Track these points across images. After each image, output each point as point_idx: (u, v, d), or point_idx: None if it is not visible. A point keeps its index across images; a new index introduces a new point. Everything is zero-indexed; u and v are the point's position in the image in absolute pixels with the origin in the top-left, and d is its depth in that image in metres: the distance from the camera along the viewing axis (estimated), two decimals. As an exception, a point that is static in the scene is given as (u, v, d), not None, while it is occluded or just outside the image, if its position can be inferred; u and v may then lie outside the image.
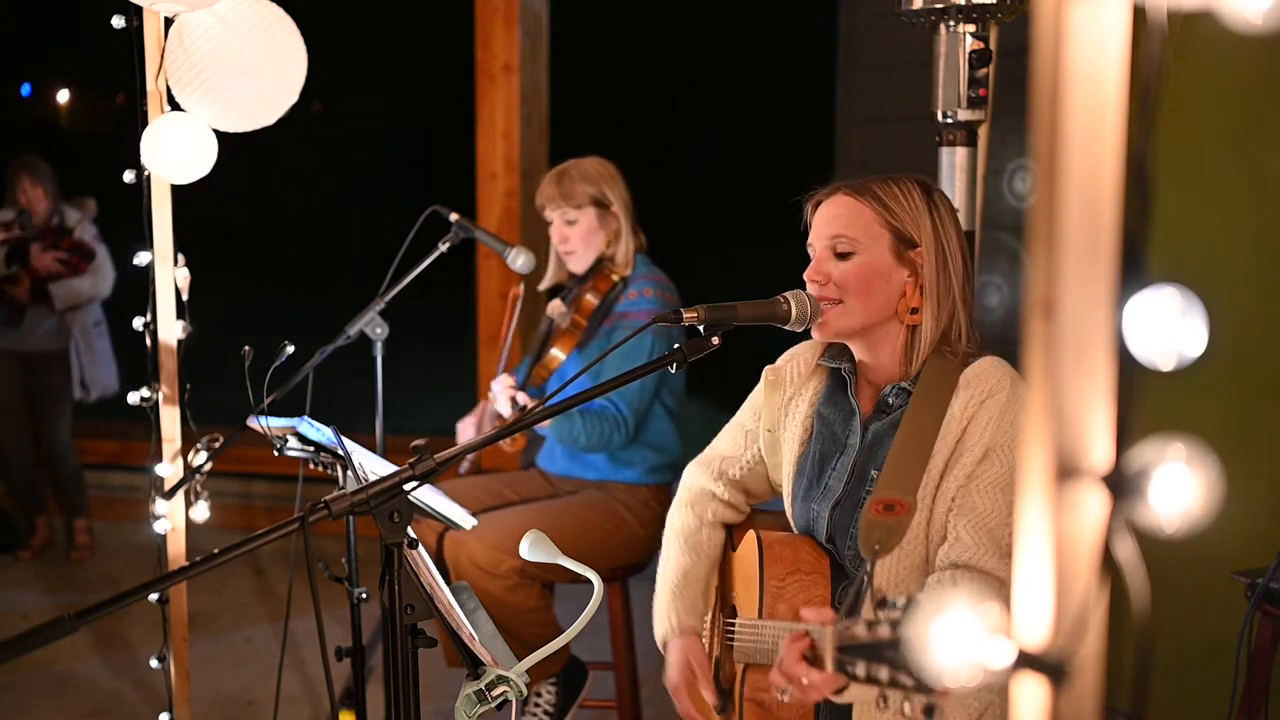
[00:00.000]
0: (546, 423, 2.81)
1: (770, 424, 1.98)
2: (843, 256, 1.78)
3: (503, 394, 2.82)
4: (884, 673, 1.12)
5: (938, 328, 1.78)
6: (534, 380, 2.95)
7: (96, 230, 4.89)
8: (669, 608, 1.97)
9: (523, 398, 2.81)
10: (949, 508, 1.70)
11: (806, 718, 1.80)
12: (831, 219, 1.80)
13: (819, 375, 1.95)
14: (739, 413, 2.06)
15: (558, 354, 2.94)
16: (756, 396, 2.02)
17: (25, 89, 17.96)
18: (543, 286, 3.15)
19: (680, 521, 2.03)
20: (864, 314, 1.78)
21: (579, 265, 3.01)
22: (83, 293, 4.76)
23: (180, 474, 2.59)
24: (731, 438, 2.05)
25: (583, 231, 2.96)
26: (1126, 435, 0.70)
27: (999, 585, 1.64)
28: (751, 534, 1.89)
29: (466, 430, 3.10)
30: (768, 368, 1.99)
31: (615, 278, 2.97)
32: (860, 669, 1.14)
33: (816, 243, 1.82)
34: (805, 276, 1.81)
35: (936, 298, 1.77)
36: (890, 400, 1.81)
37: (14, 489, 4.98)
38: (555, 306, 2.97)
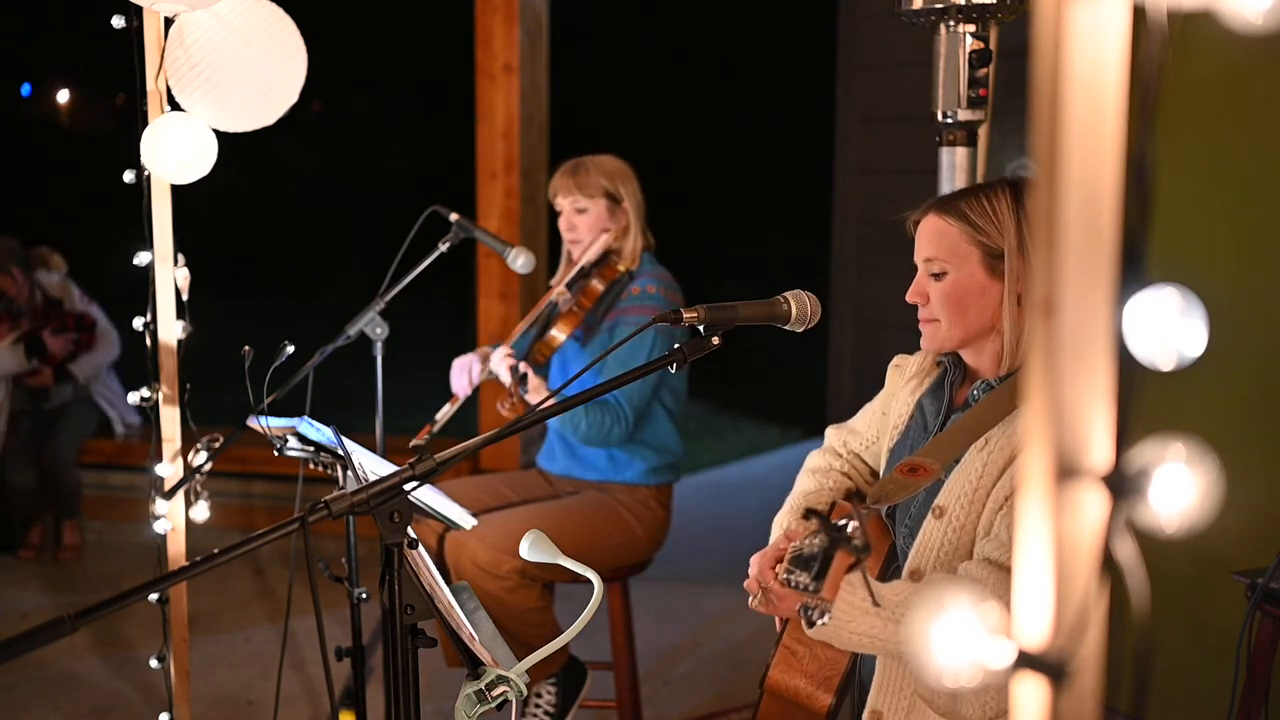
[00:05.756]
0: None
1: (885, 407, 2.07)
2: (938, 276, 1.84)
3: (501, 363, 2.83)
4: (802, 579, 1.41)
5: (1018, 330, 1.81)
6: (534, 358, 2.95)
7: (78, 290, 5.01)
8: (781, 518, 2.05)
9: (523, 366, 2.81)
10: (1000, 507, 1.73)
11: (833, 675, 1.82)
12: (924, 241, 1.87)
13: (935, 370, 2.01)
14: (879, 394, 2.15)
15: (558, 334, 2.95)
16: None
17: (25, 89, 17.94)
18: (556, 280, 3.15)
19: (812, 461, 2.15)
20: (961, 330, 1.85)
21: (582, 256, 3.00)
22: (100, 364, 5.02)
23: (180, 474, 2.59)
24: (864, 415, 2.14)
25: (591, 222, 2.97)
26: (1126, 435, 0.70)
27: None
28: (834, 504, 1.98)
29: (459, 368, 3.03)
30: (898, 355, 2.08)
31: (621, 268, 2.97)
32: (791, 579, 1.42)
33: (917, 262, 1.88)
34: (906, 297, 1.87)
35: (1020, 302, 1.81)
36: (976, 395, 1.87)
37: (10, 505, 4.93)
38: (560, 291, 2.97)
